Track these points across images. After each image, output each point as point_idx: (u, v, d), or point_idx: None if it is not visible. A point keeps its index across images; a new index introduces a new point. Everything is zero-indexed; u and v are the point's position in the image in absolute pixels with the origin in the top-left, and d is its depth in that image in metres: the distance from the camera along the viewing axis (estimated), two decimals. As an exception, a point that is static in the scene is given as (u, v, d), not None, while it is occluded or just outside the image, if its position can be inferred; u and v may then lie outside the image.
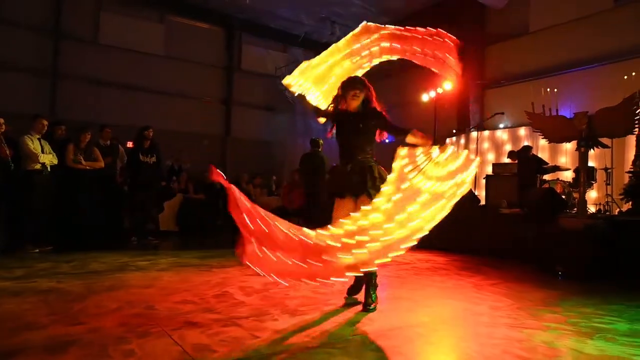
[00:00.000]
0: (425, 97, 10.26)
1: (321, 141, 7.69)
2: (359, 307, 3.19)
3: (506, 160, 8.70)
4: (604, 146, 6.09)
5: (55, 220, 6.14)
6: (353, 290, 3.43)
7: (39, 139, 5.85)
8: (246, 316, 2.91)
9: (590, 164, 6.98)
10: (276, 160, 12.59)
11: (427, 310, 3.23)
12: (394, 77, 12.06)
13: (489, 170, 9.13)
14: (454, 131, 11.05)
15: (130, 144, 7.87)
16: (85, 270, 4.47)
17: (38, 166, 5.76)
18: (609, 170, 7.02)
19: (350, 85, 3.27)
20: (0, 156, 5.59)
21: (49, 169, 5.87)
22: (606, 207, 6.95)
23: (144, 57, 11.29)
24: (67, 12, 10.42)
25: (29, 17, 10.01)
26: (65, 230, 6.24)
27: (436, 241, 6.89)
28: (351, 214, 2.72)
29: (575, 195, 6.88)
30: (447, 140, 11.21)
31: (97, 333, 2.48)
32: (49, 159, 5.88)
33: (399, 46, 3.45)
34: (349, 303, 3.31)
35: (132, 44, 11.13)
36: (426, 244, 6.93)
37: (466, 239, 6.58)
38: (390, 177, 2.83)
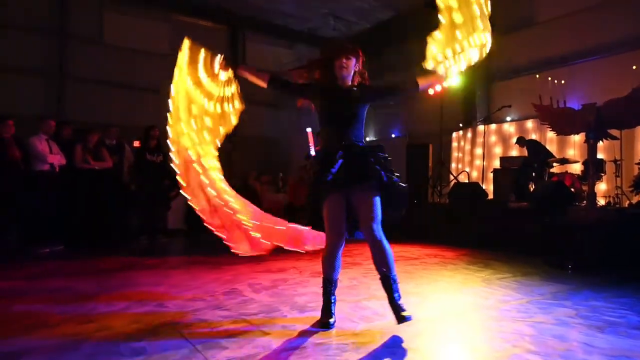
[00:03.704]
0: (431, 92, 10.19)
1: None
2: (367, 303, 3.20)
3: (514, 144, 8.67)
4: (613, 138, 6.03)
5: (64, 220, 6.19)
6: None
7: (47, 140, 5.90)
8: (256, 313, 2.92)
9: (599, 156, 6.92)
10: (282, 156, 12.60)
11: (435, 305, 3.22)
12: (399, 71, 12.01)
13: (496, 164, 9.08)
14: (461, 125, 10.99)
15: (136, 144, 7.91)
16: (95, 269, 4.51)
17: (46, 167, 5.81)
18: (618, 162, 6.95)
19: (340, 50, 2.72)
20: (9, 157, 5.65)
21: (57, 169, 5.93)
22: (616, 199, 6.89)
23: (148, 56, 11.32)
24: (71, 13, 10.47)
25: (34, 19, 10.07)
26: (75, 230, 6.30)
27: (444, 236, 6.91)
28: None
29: (585, 187, 6.83)
30: (454, 134, 11.16)
31: (108, 331, 2.50)
32: (57, 159, 5.93)
33: None
34: (356, 300, 3.32)
35: (137, 44, 11.17)
36: (434, 239, 6.95)
37: (474, 233, 6.55)
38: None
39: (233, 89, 2.98)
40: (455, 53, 2.79)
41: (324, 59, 2.79)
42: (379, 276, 2.67)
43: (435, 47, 2.83)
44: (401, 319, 2.52)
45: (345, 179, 2.55)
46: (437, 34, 2.81)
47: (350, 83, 2.76)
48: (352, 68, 2.73)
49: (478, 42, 2.75)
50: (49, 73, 10.20)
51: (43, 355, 2.15)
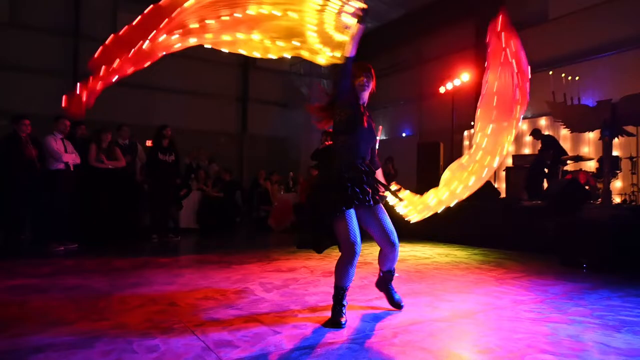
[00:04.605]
0: (442, 90, 10.13)
1: None
2: (378, 303, 3.18)
3: (527, 141, 8.57)
4: (629, 134, 5.94)
5: (79, 219, 6.27)
6: (379, 284, 3.14)
7: (62, 139, 5.98)
8: (267, 312, 2.93)
9: (615, 153, 6.81)
10: (292, 156, 12.63)
11: (448, 305, 3.20)
12: (410, 69, 11.95)
13: (508, 162, 8.99)
14: (472, 123, 10.89)
15: (149, 143, 7.98)
16: (108, 267, 4.56)
17: (61, 166, 5.89)
18: (634, 159, 6.84)
19: (362, 68, 2.84)
20: (26, 156, 5.75)
21: (72, 168, 6.01)
22: (632, 197, 6.78)
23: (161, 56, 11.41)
24: (85, 14, 10.61)
25: (48, 20, 10.23)
26: (89, 228, 6.38)
27: (456, 235, 6.85)
28: None
29: (599, 185, 6.73)
30: (465, 132, 11.07)
31: (122, 329, 2.53)
32: (72, 158, 6.01)
33: None
34: (367, 299, 3.31)
35: (149, 44, 11.26)
36: (445, 237, 6.90)
37: (486, 232, 6.49)
38: None
39: (344, 38, 2.76)
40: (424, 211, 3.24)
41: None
42: (382, 272, 3.04)
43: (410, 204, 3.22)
44: (398, 305, 3.02)
45: (367, 198, 2.76)
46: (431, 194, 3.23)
47: (365, 102, 2.91)
48: (370, 88, 2.88)
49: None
50: (63, 73, 10.35)
51: (58, 352, 2.18)
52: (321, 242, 2.80)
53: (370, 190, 2.77)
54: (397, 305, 3.03)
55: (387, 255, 2.93)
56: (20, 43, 9.77)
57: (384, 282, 3.08)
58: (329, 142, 7.01)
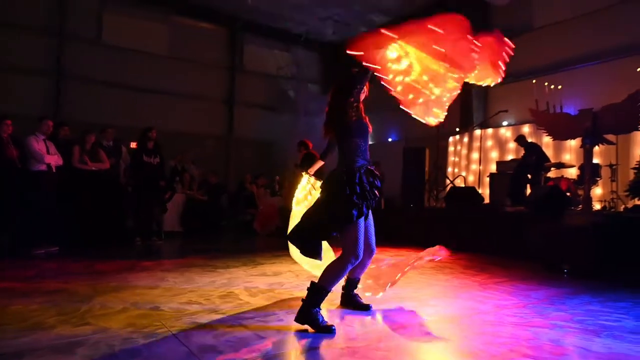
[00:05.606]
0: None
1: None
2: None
3: (510, 148, 8.69)
4: (609, 143, 6.08)
5: (60, 221, 6.16)
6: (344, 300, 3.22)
7: (44, 140, 5.88)
8: (252, 317, 2.91)
9: (595, 160, 6.96)
10: (278, 160, 12.61)
11: (431, 310, 3.22)
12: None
13: (493, 168, 9.11)
14: (457, 129, 11.02)
15: (133, 145, 7.89)
16: (91, 270, 4.49)
17: (43, 167, 5.79)
18: (614, 167, 7.00)
19: (366, 76, 2.91)
20: (7, 156, 5.63)
21: (54, 170, 5.90)
22: (611, 203, 6.93)
23: (147, 57, 11.32)
24: (71, 13, 10.47)
25: (33, 19, 10.06)
26: (71, 231, 6.27)
27: (440, 240, 6.90)
28: None
29: (580, 192, 6.86)
30: (450, 138, 11.19)
31: (103, 333, 2.49)
32: (54, 159, 5.91)
33: None
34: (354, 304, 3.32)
35: (136, 44, 11.17)
36: (430, 243, 6.94)
37: (470, 237, 6.56)
38: None
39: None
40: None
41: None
42: (350, 279, 3.16)
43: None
44: (367, 306, 3.09)
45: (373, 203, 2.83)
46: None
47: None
48: (365, 93, 2.99)
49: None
50: (47, 73, 10.18)
51: (39, 357, 2.14)
52: (318, 248, 2.76)
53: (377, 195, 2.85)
54: (366, 307, 3.10)
55: (363, 263, 2.95)
56: (3, 42, 9.58)
57: (350, 291, 3.16)
58: (305, 152, 6.97)
